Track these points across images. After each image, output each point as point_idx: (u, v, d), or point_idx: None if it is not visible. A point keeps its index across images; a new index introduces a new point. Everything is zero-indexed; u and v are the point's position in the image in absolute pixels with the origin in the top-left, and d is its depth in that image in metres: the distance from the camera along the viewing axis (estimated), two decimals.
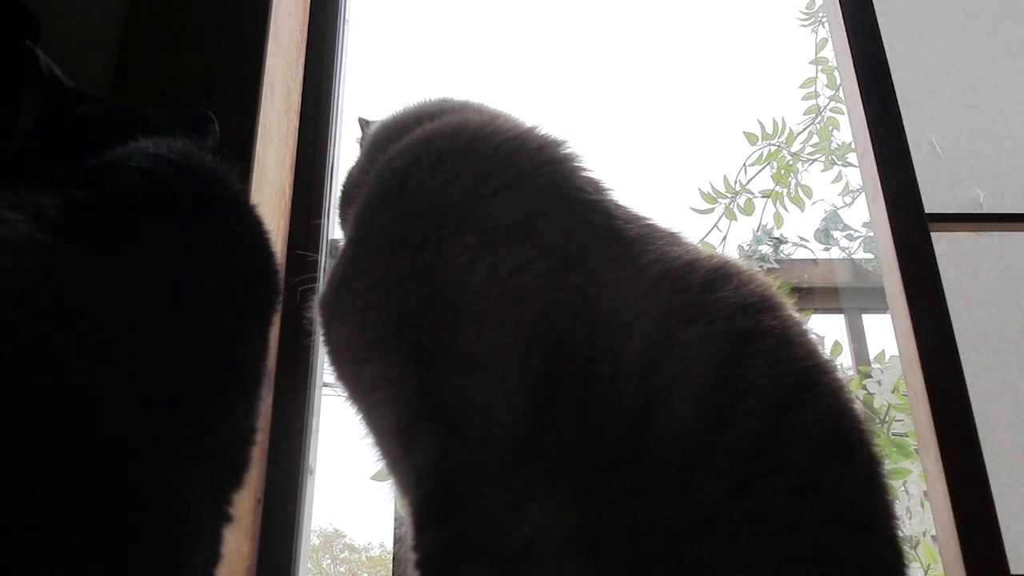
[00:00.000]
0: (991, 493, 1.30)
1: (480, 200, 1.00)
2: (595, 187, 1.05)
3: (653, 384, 0.84)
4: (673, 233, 1.00)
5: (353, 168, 1.28)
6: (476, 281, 0.93)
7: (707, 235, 2.63)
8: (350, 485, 1.98)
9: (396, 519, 1.38)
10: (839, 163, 2.67)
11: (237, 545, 1.24)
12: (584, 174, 1.06)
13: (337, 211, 1.28)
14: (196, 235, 0.87)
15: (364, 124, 1.35)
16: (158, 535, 0.71)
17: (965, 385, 1.37)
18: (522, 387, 0.88)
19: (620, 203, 1.04)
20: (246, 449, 0.91)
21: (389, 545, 1.25)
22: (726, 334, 0.86)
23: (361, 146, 1.30)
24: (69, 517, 0.65)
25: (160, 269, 0.83)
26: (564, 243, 0.96)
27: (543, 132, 1.11)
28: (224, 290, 0.88)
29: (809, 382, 0.85)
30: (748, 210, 2.66)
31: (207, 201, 0.92)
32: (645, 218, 1.02)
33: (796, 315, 0.92)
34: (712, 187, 2.66)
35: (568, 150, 1.09)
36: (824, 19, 2.72)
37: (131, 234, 0.83)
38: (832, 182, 2.73)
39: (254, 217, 1.00)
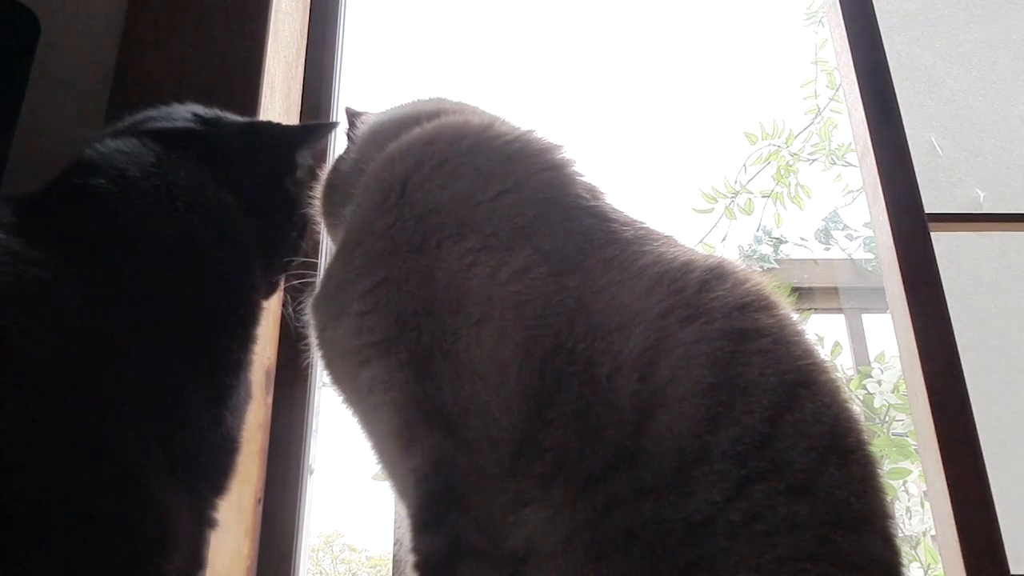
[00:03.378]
0: (991, 493, 1.30)
1: (481, 204, 1.00)
2: (592, 192, 1.05)
3: (651, 384, 0.84)
4: (669, 236, 1.00)
5: (341, 161, 1.25)
6: (476, 285, 0.93)
7: (707, 235, 2.63)
8: (350, 485, 1.99)
9: (396, 519, 1.38)
10: (839, 163, 2.67)
11: (237, 545, 1.24)
12: (581, 179, 1.06)
13: (319, 202, 1.26)
14: (153, 235, 0.87)
15: (353, 115, 1.32)
16: (121, 541, 0.69)
17: (965, 385, 1.37)
18: (520, 390, 0.88)
19: (616, 207, 1.04)
20: (226, 457, 0.91)
21: (389, 545, 1.26)
22: (723, 333, 0.85)
23: (351, 139, 1.27)
24: (27, 522, 0.64)
25: (115, 274, 0.82)
26: (562, 247, 0.96)
27: (541, 137, 1.11)
28: (185, 298, 0.88)
29: (807, 380, 0.84)
30: (748, 210, 2.66)
31: (167, 206, 0.90)
32: (641, 222, 1.02)
33: (793, 314, 0.92)
34: (712, 187, 2.66)
35: (565, 155, 1.08)
36: (824, 19, 2.72)
37: (90, 234, 0.83)
38: (832, 182, 2.73)
39: (225, 228, 0.96)
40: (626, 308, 0.89)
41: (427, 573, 0.86)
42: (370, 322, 0.97)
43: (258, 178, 1.09)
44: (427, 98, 1.25)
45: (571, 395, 0.86)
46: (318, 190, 1.27)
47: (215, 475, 0.90)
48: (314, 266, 1.37)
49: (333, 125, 1.21)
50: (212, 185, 0.98)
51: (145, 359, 0.80)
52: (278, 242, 1.11)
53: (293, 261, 1.17)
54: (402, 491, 0.95)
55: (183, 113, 1.09)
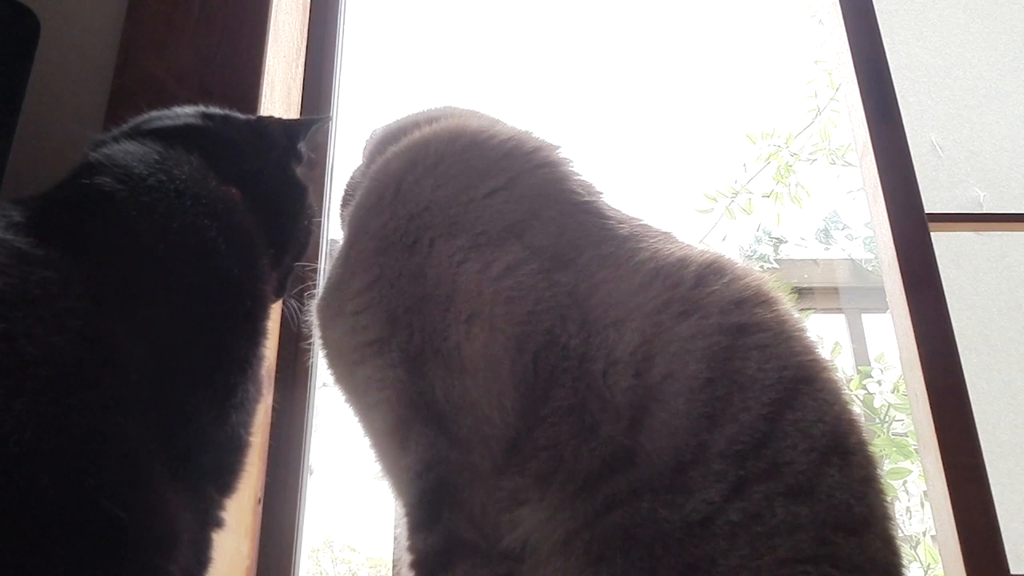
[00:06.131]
0: (991, 493, 1.30)
1: (473, 202, 1.01)
2: (587, 189, 1.05)
3: (646, 380, 0.84)
4: (666, 233, 0.99)
5: (355, 170, 1.29)
6: (467, 281, 0.94)
7: (708, 235, 2.63)
8: (350, 485, 1.99)
9: (395, 518, 1.38)
10: (839, 163, 2.67)
11: (237, 545, 1.24)
12: (576, 177, 1.06)
13: (340, 213, 1.29)
14: (159, 232, 0.86)
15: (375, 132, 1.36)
16: (125, 542, 0.69)
17: (965, 385, 1.37)
18: (513, 387, 0.88)
19: (612, 205, 1.04)
20: (232, 455, 0.90)
21: (389, 545, 1.26)
22: (720, 328, 0.85)
23: (364, 150, 1.31)
24: (30, 523, 0.63)
25: (121, 272, 0.82)
26: (555, 243, 0.96)
27: (538, 136, 1.11)
28: (191, 294, 0.87)
29: (808, 376, 0.84)
30: (748, 210, 2.66)
31: (174, 201, 0.90)
32: (637, 218, 1.02)
33: (793, 310, 0.91)
34: (714, 187, 2.66)
35: (561, 154, 1.09)
36: (824, 19, 2.72)
37: (96, 232, 0.83)
38: (833, 182, 2.73)
39: (230, 221, 0.95)
40: (621, 304, 0.89)
41: (423, 571, 0.87)
42: (364, 321, 0.98)
43: (266, 169, 1.09)
44: (435, 106, 1.26)
45: (565, 391, 0.86)
46: (339, 201, 1.30)
47: (222, 474, 0.89)
48: (322, 272, 1.37)
49: (328, 118, 1.24)
50: (216, 179, 0.98)
51: (149, 357, 0.79)
52: (290, 232, 1.11)
53: (305, 252, 1.18)
54: (399, 489, 0.96)
55: (187, 111, 1.10)
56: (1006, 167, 1.64)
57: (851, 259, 2.58)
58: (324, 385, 1.44)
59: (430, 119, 1.15)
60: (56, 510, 0.65)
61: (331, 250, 1.44)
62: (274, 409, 1.36)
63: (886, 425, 2.19)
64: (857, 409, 0.93)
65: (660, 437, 0.81)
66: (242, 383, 0.91)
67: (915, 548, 2.01)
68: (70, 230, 0.82)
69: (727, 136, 2.81)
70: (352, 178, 1.28)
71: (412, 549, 0.88)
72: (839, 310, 2.51)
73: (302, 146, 1.18)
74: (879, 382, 2.25)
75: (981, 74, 1.72)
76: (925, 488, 1.78)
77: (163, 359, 0.81)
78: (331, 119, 1.26)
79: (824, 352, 0.90)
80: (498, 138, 1.08)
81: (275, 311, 1.36)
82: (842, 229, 2.62)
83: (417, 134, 1.11)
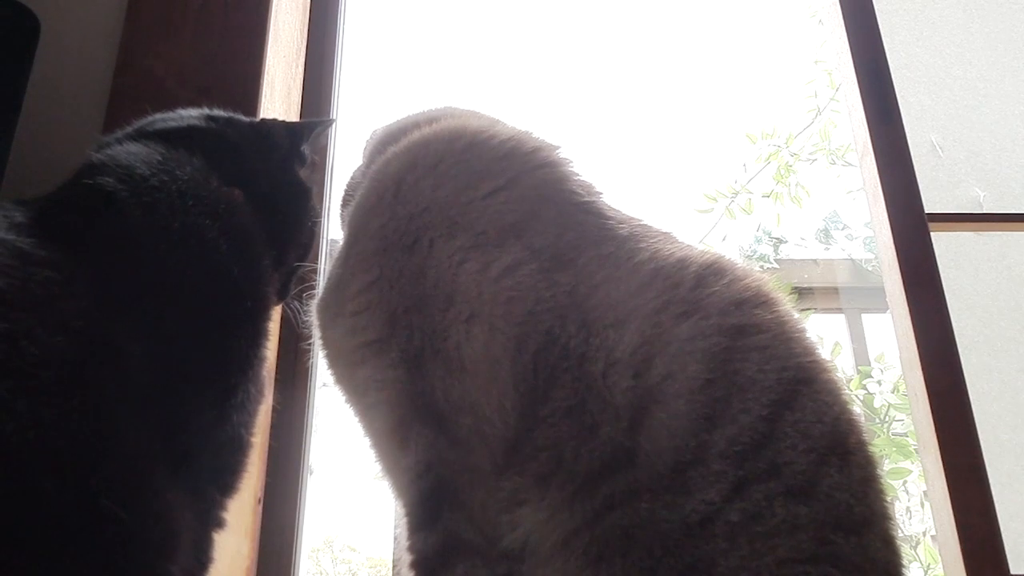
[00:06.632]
0: (991, 493, 1.30)
1: (473, 203, 1.01)
2: (587, 189, 1.05)
3: (646, 381, 0.84)
4: (666, 233, 1.00)
5: (355, 171, 1.29)
6: (466, 281, 0.94)
7: (708, 235, 2.63)
8: (350, 485, 1.99)
9: (395, 518, 1.38)
10: (839, 163, 2.67)
11: (237, 545, 1.24)
12: (577, 177, 1.06)
13: (340, 213, 1.29)
14: (161, 231, 0.86)
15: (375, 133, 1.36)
16: (125, 542, 0.69)
17: (965, 385, 1.37)
18: (512, 387, 0.88)
19: (612, 205, 1.04)
20: (233, 456, 0.90)
21: (389, 545, 1.26)
22: (720, 329, 0.85)
23: (364, 151, 1.31)
24: (31, 523, 0.63)
25: (123, 272, 0.82)
26: (555, 243, 0.97)
27: (537, 136, 1.11)
28: (192, 294, 0.87)
29: (808, 377, 0.84)
30: (748, 210, 2.66)
31: (176, 201, 0.90)
32: (637, 219, 1.02)
33: (793, 311, 0.91)
34: (714, 187, 2.66)
35: (561, 154, 1.09)
36: (824, 19, 2.72)
37: (98, 232, 0.83)
38: (833, 182, 2.73)
39: (231, 221, 0.95)
40: (620, 304, 0.89)
41: (423, 571, 0.87)
42: (363, 322, 0.98)
43: (268, 171, 1.09)
44: (435, 107, 1.26)
45: (565, 392, 0.86)
46: (339, 202, 1.30)
47: (223, 474, 0.89)
48: (322, 272, 1.38)
49: (331, 121, 1.24)
50: (219, 180, 0.98)
51: (150, 357, 0.79)
52: (293, 233, 1.12)
53: (308, 254, 1.18)
54: (399, 489, 0.96)
55: (192, 113, 1.10)
56: (1006, 167, 1.65)
57: (851, 259, 2.58)
58: (324, 385, 1.45)
59: (430, 119, 1.16)
60: (57, 510, 0.65)
61: (331, 250, 1.44)
62: (274, 409, 1.36)
63: (886, 425, 2.19)
64: (857, 409, 0.93)
65: (660, 438, 0.81)
66: (243, 383, 0.91)
67: (915, 548, 2.01)
68: (72, 230, 0.82)
69: (727, 136, 2.81)
70: (352, 178, 1.28)
71: (412, 549, 0.88)
72: (839, 310, 2.51)
73: (305, 148, 1.18)
74: (879, 382, 2.26)
75: (981, 74, 1.72)
76: (925, 488, 1.78)
77: (164, 359, 0.81)
78: (334, 122, 1.26)
79: (824, 352, 0.90)
80: (498, 138, 1.08)
81: (276, 311, 1.36)
82: (842, 229, 2.63)
83: (417, 134, 1.11)
